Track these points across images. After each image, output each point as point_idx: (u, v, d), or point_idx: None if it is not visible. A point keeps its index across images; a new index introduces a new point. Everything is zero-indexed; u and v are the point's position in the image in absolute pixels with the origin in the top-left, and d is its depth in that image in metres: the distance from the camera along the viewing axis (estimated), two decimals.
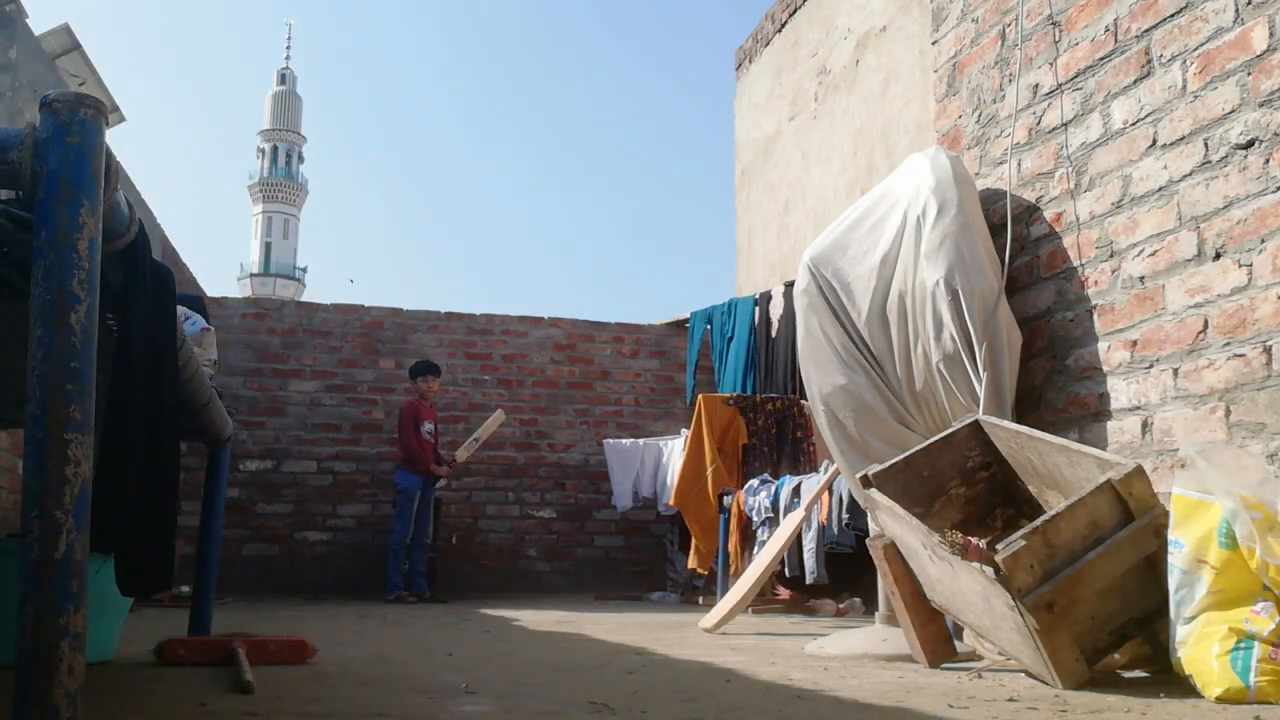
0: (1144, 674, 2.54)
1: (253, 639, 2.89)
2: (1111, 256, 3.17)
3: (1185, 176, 2.91)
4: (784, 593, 5.80)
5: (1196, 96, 2.88)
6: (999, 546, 2.32)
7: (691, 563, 6.51)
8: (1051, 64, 3.47)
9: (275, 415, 8.18)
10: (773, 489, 5.54)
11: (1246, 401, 2.67)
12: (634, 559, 8.58)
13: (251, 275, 63.93)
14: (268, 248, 65.40)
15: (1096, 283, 3.23)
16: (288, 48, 73.88)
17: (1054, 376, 3.38)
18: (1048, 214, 3.45)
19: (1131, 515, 2.39)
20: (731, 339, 7.32)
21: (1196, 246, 2.86)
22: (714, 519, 6.03)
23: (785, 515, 5.20)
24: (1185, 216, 2.90)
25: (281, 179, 66.81)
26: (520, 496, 8.54)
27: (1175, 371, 2.91)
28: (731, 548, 5.75)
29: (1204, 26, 2.87)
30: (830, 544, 5.08)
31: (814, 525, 5.13)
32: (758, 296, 7.11)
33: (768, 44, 7.87)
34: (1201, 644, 2.18)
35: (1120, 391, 3.11)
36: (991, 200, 3.67)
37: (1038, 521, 2.36)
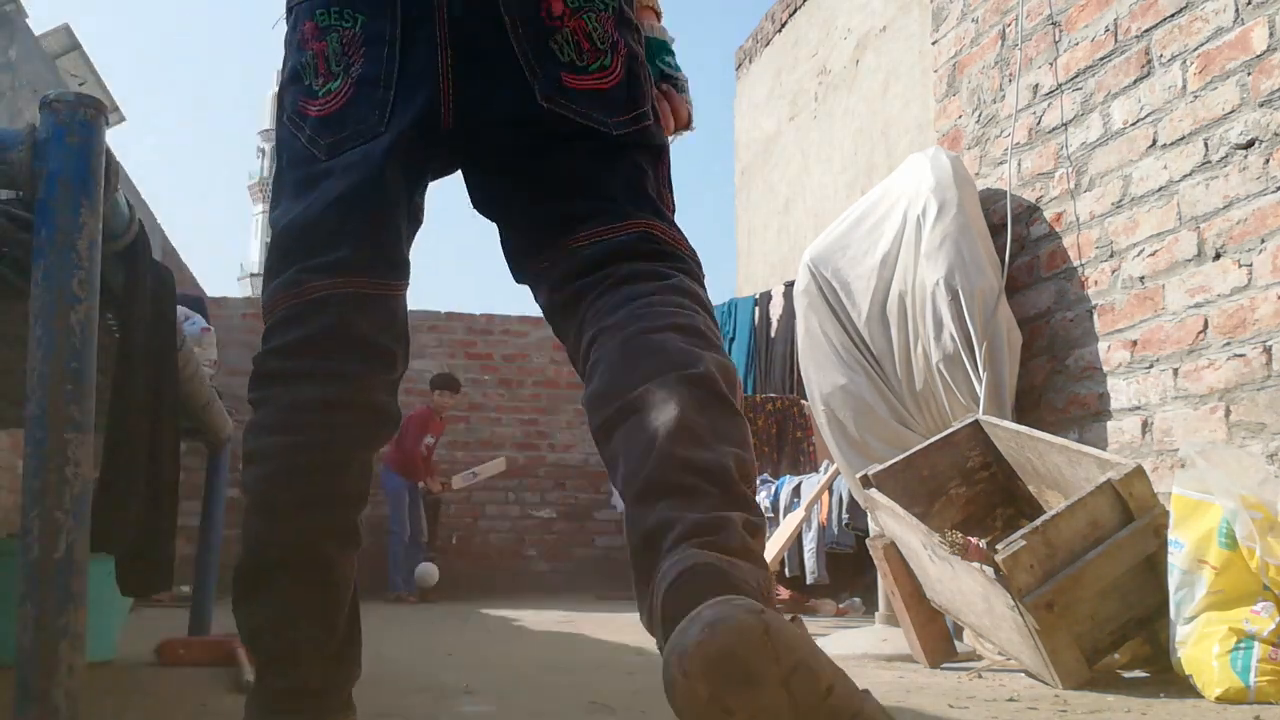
0: (1144, 674, 2.54)
1: None
2: (1111, 256, 3.17)
3: (1185, 176, 2.91)
4: (784, 593, 5.79)
5: (1196, 96, 2.88)
6: (999, 546, 2.32)
7: None
8: (1051, 64, 3.47)
9: None
10: (773, 489, 5.54)
11: (1246, 401, 2.67)
12: None
13: (251, 275, 63.86)
14: (268, 248, 65.35)
15: (1096, 283, 3.23)
16: None
17: (1054, 376, 3.38)
18: (1048, 214, 3.45)
19: (1131, 515, 2.39)
20: (732, 339, 7.31)
21: (1196, 246, 2.86)
22: None
23: (785, 515, 5.20)
24: (1185, 216, 2.90)
25: None
26: (520, 496, 8.54)
27: (1175, 371, 2.91)
28: None
29: (1204, 26, 2.87)
30: (830, 544, 5.08)
31: (814, 525, 5.13)
32: (757, 296, 7.11)
33: (768, 44, 7.87)
34: (1201, 644, 2.18)
35: (1120, 391, 3.11)
36: (991, 200, 3.67)
37: (1038, 521, 2.36)
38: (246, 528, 1.16)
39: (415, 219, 1.28)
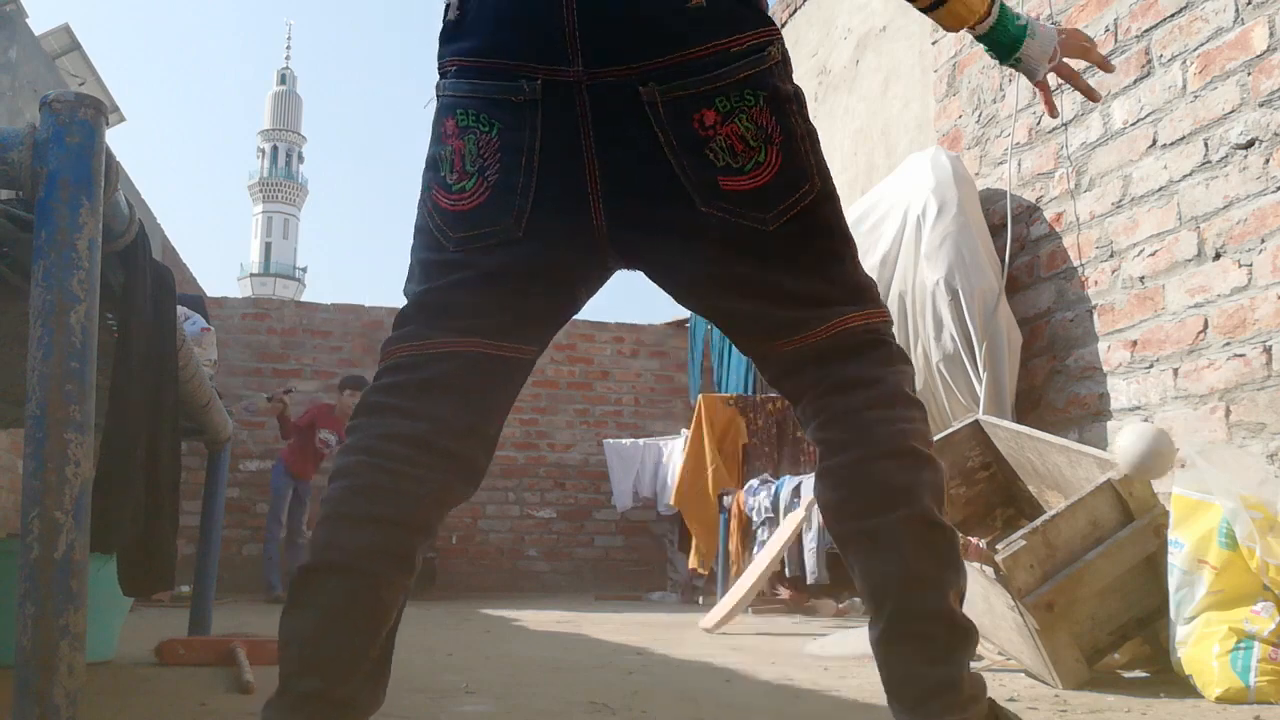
0: (1144, 674, 2.54)
1: (253, 639, 2.89)
2: (1111, 256, 3.17)
3: (1185, 176, 2.91)
4: (784, 593, 5.79)
5: (1196, 96, 2.88)
6: (999, 546, 2.32)
7: (692, 563, 6.51)
8: None
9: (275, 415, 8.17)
10: (773, 489, 5.54)
11: (1246, 401, 2.67)
12: (634, 559, 8.58)
13: (251, 275, 63.92)
14: (268, 248, 65.41)
15: (1096, 283, 3.23)
16: (288, 48, 73.67)
17: (1054, 376, 3.38)
18: (1048, 214, 3.45)
19: (1131, 515, 2.39)
20: None
21: (1196, 246, 2.86)
22: (714, 519, 6.03)
23: (785, 515, 5.20)
24: (1185, 216, 2.90)
25: (281, 179, 66.85)
26: (520, 496, 8.54)
27: (1175, 371, 2.91)
28: (731, 548, 5.75)
29: (1204, 26, 2.87)
30: (830, 544, 5.07)
31: (814, 525, 5.13)
32: None
33: None
34: (1201, 644, 2.18)
35: (1120, 391, 3.11)
36: (991, 200, 3.67)
37: (1038, 521, 2.36)
38: (313, 537, 1.18)
39: (570, 304, 1.29)
